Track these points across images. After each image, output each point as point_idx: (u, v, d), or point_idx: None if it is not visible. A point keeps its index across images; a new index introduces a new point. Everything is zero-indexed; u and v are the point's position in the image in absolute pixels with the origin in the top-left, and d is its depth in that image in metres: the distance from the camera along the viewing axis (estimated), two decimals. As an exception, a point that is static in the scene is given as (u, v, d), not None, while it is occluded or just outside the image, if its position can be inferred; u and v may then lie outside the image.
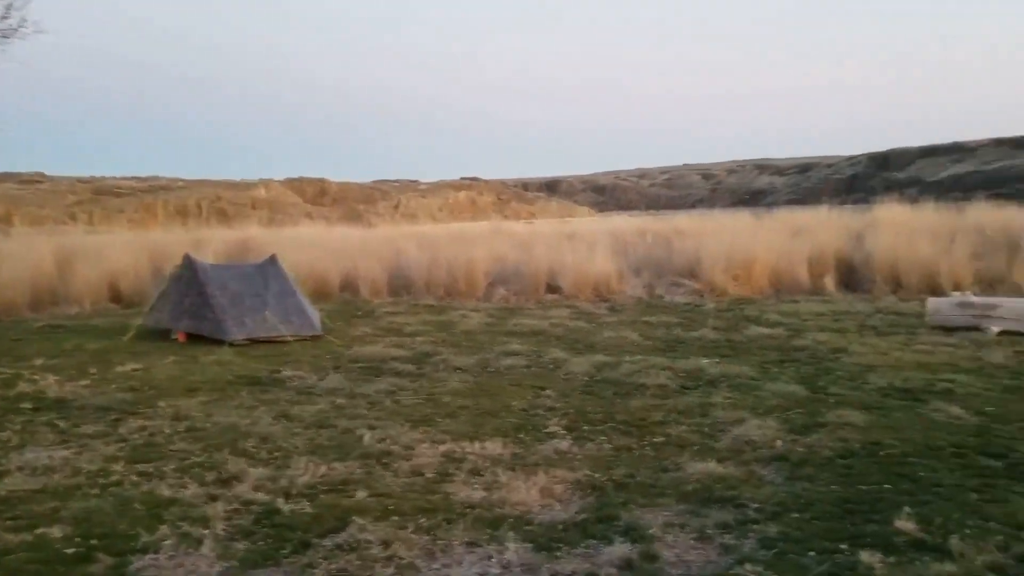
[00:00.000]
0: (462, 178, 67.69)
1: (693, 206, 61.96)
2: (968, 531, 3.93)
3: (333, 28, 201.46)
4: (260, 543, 4.11)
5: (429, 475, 5.03)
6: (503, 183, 72.89)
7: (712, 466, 5.03)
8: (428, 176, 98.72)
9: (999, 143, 60.45)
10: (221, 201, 45.97)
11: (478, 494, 4.68)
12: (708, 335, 9.74)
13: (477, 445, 5.57)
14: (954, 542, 3.80)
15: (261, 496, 4.70)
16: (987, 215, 17.99)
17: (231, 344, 9.74)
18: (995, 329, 9.34)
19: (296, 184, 54.25)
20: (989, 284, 13.15)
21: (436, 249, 16.12)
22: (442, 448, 5.52)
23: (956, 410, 6.11)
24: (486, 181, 69.04)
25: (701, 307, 12.40)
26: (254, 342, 9.90)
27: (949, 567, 3.58)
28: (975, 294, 11.09)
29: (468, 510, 4.44)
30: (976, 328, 9.48)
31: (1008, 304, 9.76)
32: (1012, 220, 16.93)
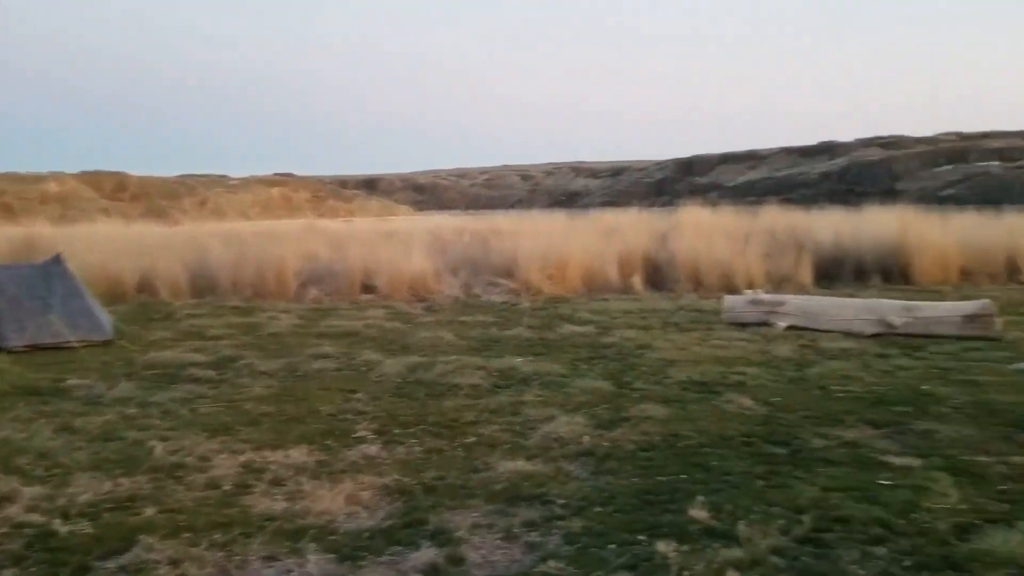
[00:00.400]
0: (275, 174, 65.31)
1: (513, 206, 63.07)
2: (754, 516, 4.15)
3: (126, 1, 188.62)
4: (32, 569, 3.74)
5: (226, 487, 4.74)
6: (320, 180, 71.05)
7: (521, 464, 5.07)
8: (238, 171, 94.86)
9: (788, 152, 65.48)
10: (6, 195, 41.98)
11: (279, 505, 4.46)
12: (523, 334, 9.88)
13: (280, 454, 5.33)
14: (741, 528, 4.00)
15: (35, 518, 4.27)
16: (777, 218, 19.49)
17: (9, 351, 8.88)
18: (782, 324, 10.04)
19: (91, 177, 50.32)
20: (778, 282, 14.16)
21: (245, 247, 15.43)
22: (241, 458, 5.23)
23: (747, 401, 6.49)
24: (301, 178, 67.06)
25: (517, 306, 12.58)
26: (36, 349, 9.07)
27: (737, 552, 3.76)
28: (765, 292, 11.91)
29: (267, 523, 4.22)
30: (766, 323, 10.15)
31: (793, 301, 10.54)
32: (798, 223, 18.41)
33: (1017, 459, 4.98)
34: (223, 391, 7.14)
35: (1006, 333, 9.21)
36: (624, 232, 16.76)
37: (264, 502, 4.50)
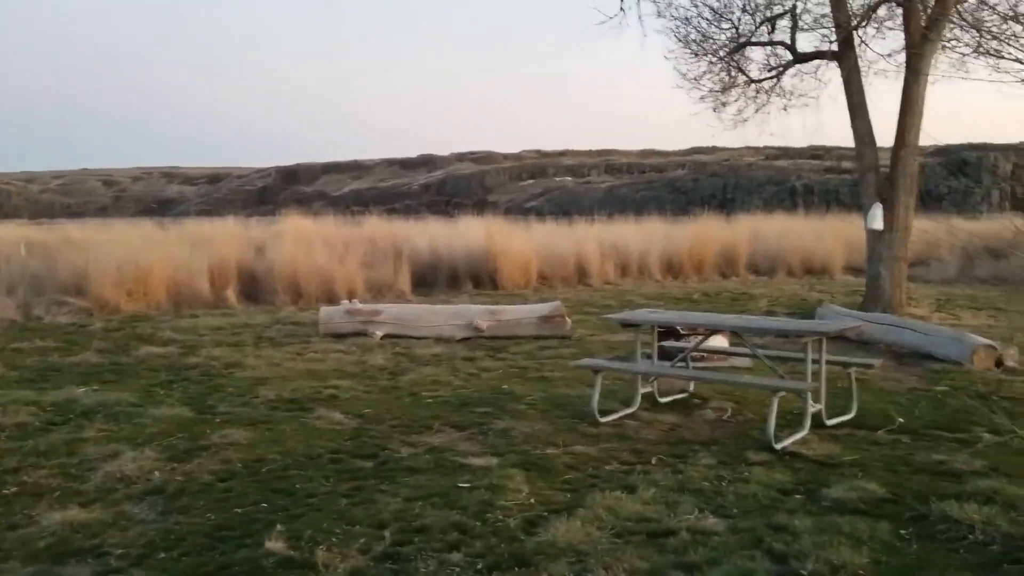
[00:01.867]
0: None
1: (95, 215, 57.06)
2: (335, 539, 3.95)
3: None
4: None
5: None
6: None
7: (74, 513, 4.35)
8: None
9: (391, 163, 67.87)
10: None
11: None
12: (90, 359, 8.71)
13: None
14: (320, 553, 3.77)
15: None
16: (379, 227, 19.86)
17: None
18: (379, 333, 10.11)
19: None
20: (379, 291, 14.37)
21: None
22: None
23: (338, 416, 6.32)
24: None
25: (87, 327, 11.13)
26: None
27: (314, 582, 3.53)
28: (364, 301, 11.96)
29: None
30: (364, 333, 10.15)
31: (389, 309, 10.68)
32: (399, 232, 18.93)
33: (580, 448, 5.40)
34: None
35: (575, 331, 10.20)
36: (218, 242, 15.80)
37: None
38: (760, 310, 12.38)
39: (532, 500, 4.46)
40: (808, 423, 5.55)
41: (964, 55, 12.20)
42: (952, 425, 5.78)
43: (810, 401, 5.54)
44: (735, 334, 7.97)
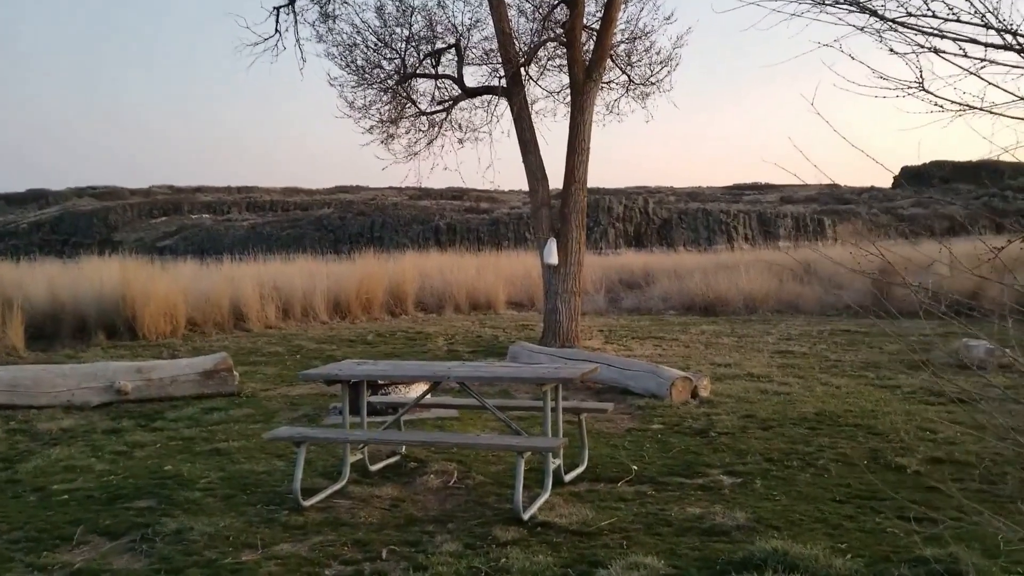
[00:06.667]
0: None
1: None
2: None
3: None
4: None
5: None
6: None
7: None
8: None
9: None
10: None
11: None
12: None
13: None
14: None
15: None
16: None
17: None
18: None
19: None
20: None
21: None
22: None
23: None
24: None
25: None
26: None
27: None
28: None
29: None
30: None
31: (-3, 373, 8.38)
32: (6, 276, 15.76)
33: (285, 548, 4.20)
34: None
35: (243, 386, 8.77)
36: None
37: None
38: (441, 349, 11.80)
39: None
40: (550, 483, 4.86)
41: (617, 97, 12.87)
42: (687, 469, 5.43)
43: (551, 458, 4.86)
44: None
